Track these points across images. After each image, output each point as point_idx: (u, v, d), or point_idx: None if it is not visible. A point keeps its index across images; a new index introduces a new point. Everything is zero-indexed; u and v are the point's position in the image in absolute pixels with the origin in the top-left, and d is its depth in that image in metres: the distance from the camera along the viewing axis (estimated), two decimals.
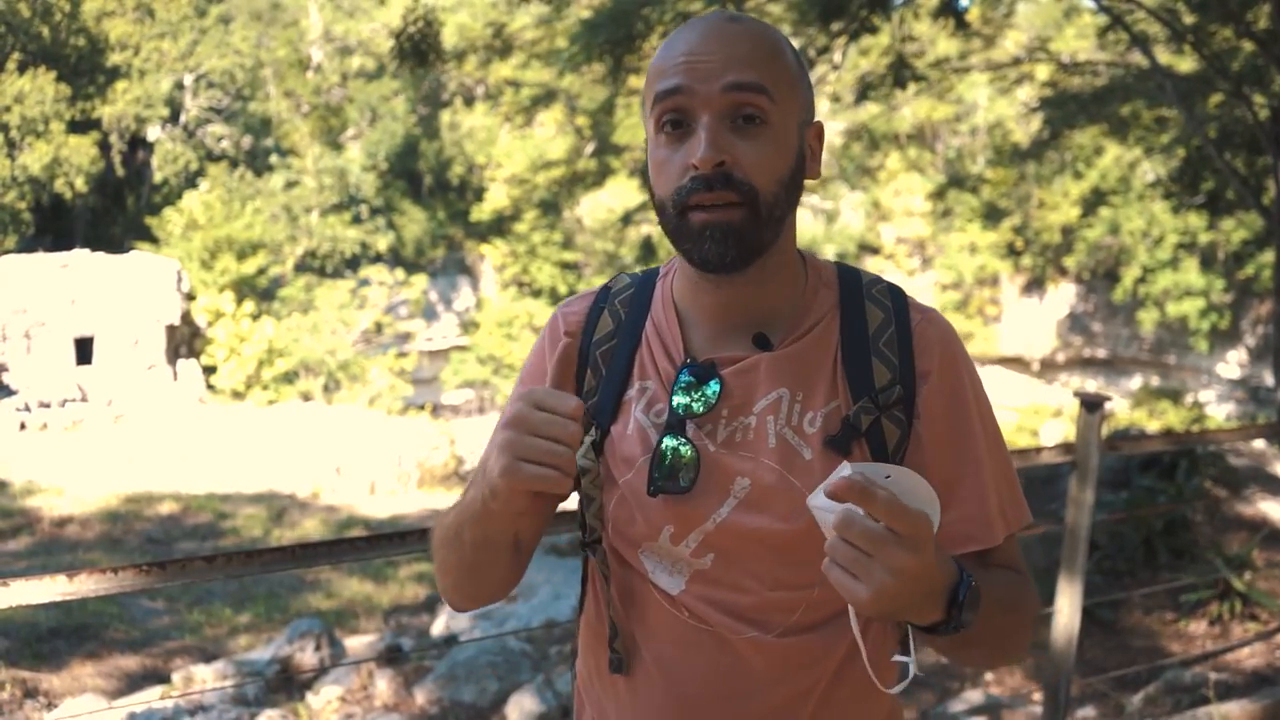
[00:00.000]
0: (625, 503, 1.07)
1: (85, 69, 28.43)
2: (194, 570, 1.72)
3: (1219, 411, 26.29)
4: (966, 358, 1.10)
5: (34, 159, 25.65)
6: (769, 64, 1.01)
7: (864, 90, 9.65)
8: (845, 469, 0.83)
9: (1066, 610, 2.92)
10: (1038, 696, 4.13)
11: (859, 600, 0.83)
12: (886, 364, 1.06)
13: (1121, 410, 24.63)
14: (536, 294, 31.50)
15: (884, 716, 1.15)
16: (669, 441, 1.04)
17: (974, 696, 4.11)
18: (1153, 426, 19.61)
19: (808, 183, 1.08)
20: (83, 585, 1.66)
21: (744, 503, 1.03)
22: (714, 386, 1.04)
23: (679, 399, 1.05)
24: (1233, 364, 27.77)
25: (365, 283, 28.76)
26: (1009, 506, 1.10)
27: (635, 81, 10.90)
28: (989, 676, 4.56)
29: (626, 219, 20.11)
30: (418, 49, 8.14)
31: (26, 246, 25.36)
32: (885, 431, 1.04)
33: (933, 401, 1.06)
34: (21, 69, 26.46)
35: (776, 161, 1.00)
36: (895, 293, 1.10)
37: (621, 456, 1.07)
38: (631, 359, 1.11)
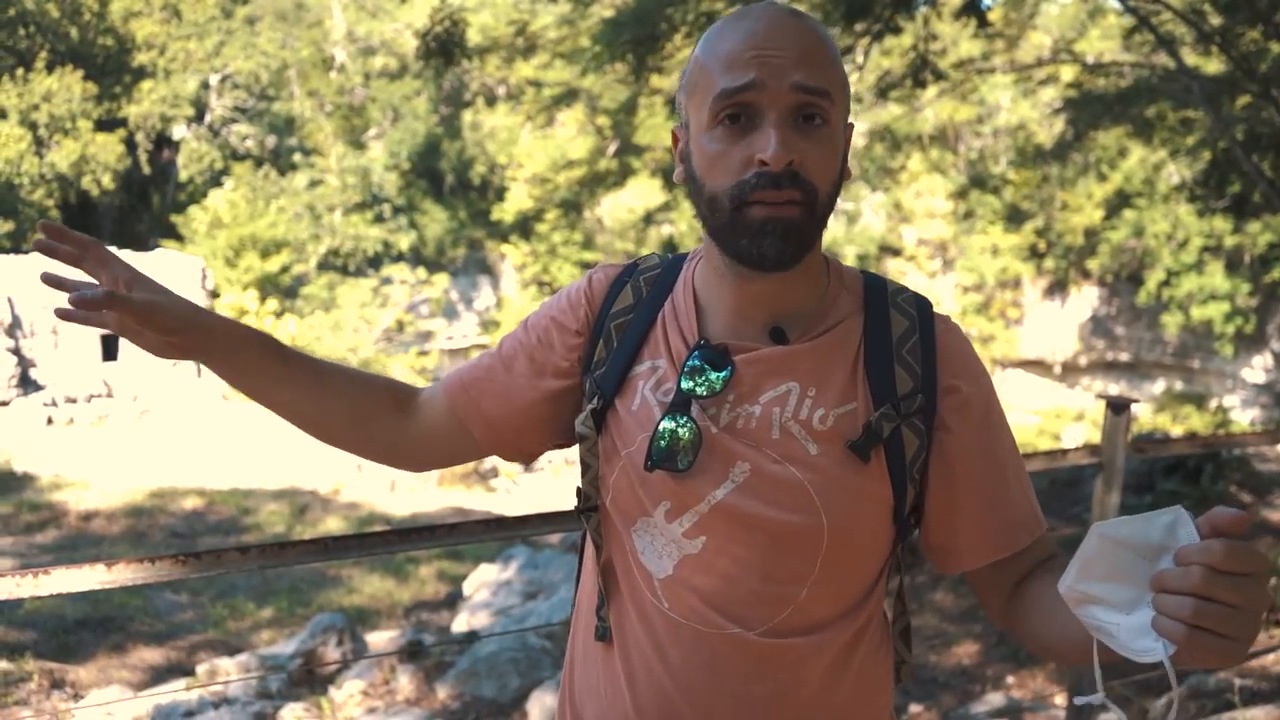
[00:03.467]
0: (626, 475, 1.07)
1: (112, 68, 28.71)
2: (228, 561, 1.75)
3: (1244, 416, 26.00)
4: (985, 369, 1.12)
5: (62, 157, 25.93)
6: (832, 66, 1.01)
7: (882, 90, 9.60)
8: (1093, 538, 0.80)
9: None
10: (1060, 700, 4.12)
11: (1236, 656, 0.78)
12: (909, 372, 1.05)
13: (1145, 414, 24.40)
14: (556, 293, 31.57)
15: None
16: (666, 424, 1.03)
17: (995, 699, 4.10)
18: (1177, 431, 19.44)
19: None
20: (120, 574, 1.70)
21: (741, 487, 1.02)
22: (720, 373, 1.04)
23: (685, 380, 1.04)
24: (1258, 368, 27.46)
25: (387, 281, 28.91)
26: (1036, 503, 1.13)
27: (657, 81, 10.90)
28: (1010, 679, 4.54)
29: (648, 219, 20.10)
30: (444, 47, 8.16)
31: None
32: (904, 440, 1.04)
33: (963, 414, 1.06)
34: (50, 68, 26.75)
35: (832, 163, 1.01)
36: (921, 303, 1.11)
37: (626, 430, 1.07)
38: (645, 335, 1.11)
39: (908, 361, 1.06)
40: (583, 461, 1.11)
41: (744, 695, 1.04)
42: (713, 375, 1.04)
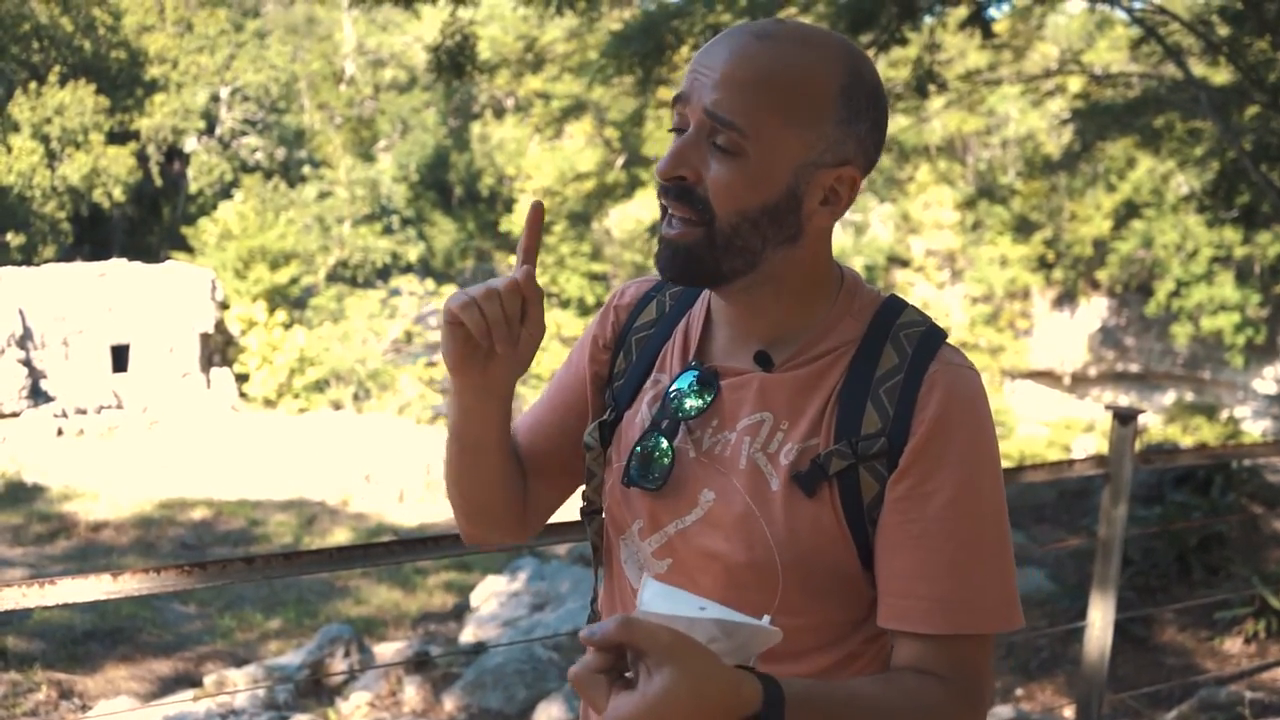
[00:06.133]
0: (615, 487, 1.09)
1: (124, 82, 28.93)
2: (234, 571, 1.75)
3: (1255, 427, 25.87)
4: (978, 421, 0.98)
5: (73, 169, 26.12)
6: (767, 97, 0.93)
7: None
8: (646, 589, 0.83)
9: (1099, 625, 2.90)
10: (1069, 712, 4.09)
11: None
12: (880, 412, 0.97)
13: (1155, 426, 24.31)
14: (565, 304, 31.61)
15: None
16: (645, 442, 1.05)
17: (1004, 712, 4.07)
18: (1187, 442, 19.34)
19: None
20: (126, 584, 1.70)
21: (707, 517, 1.02)
22: (705, 395, 1.04)
23: (673, 400, 1.05)
24: (1269, 379, 27.33)
25: (396, 292, 28.98)
26: (977, 602, 0.95)
27: (665, 93, 10.93)
28: (1019, 691, 4.52)
29: (653, 230, 20.16)
30: (455, 61, 8.22)
31: (65, 255, 25.81)
32: (862, 484, 0.97)
33: (912, 455, 0.96)
34: (62, 81, 26.96)
35: (744, 194, 0.95)
36: (926, 339, 1.00)
37: (624, 442, 1.09)
38: (659, 351, 1.12)
39: (881, 401, 0.98)
40: (588, 470, 1.13)
41: None
42: (698, 398, 1.04)
